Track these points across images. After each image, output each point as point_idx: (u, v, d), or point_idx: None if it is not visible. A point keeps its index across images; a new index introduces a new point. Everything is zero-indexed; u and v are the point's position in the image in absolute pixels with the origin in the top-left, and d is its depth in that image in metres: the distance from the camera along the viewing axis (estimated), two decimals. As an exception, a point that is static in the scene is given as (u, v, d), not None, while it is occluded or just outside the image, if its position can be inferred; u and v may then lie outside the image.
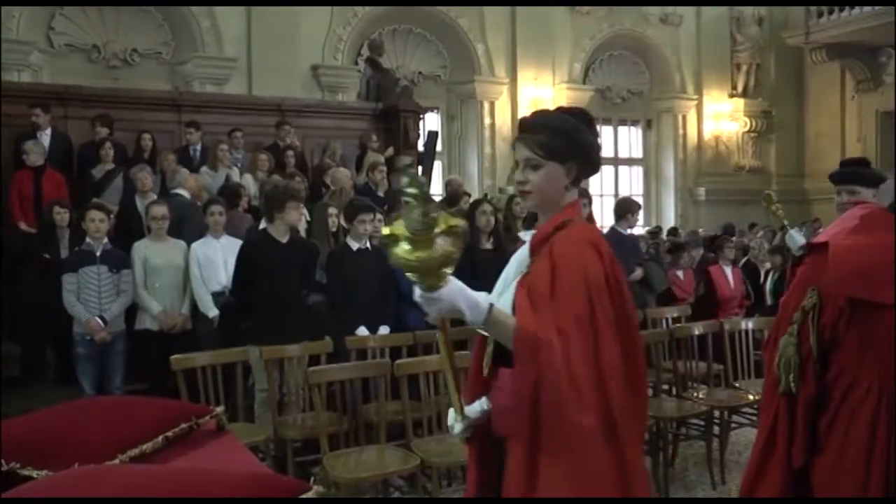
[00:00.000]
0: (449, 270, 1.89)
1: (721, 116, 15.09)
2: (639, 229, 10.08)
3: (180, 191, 6.78)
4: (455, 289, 1.94)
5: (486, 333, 2.15)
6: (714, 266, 7.27)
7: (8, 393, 6.04)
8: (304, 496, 1.65)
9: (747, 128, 15.37)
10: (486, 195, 10.27)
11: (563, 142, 2.12)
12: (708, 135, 15.08)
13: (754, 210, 14.12)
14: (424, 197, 1.80)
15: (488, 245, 5.69)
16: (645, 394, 2.18)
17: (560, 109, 2.25)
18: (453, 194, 8.14)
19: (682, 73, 14.75)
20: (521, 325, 1.99)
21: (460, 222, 1.87)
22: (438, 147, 11.11)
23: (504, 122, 13.04)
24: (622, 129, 15.07)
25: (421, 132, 9.98)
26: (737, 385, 5.25)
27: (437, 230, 1.80)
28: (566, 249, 2.07)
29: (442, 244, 1.81)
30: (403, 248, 1.80)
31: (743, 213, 13.75)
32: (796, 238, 3.89)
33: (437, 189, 10.73)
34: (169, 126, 8.84)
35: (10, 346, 6.50)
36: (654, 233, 11.59)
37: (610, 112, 14.68)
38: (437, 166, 11.54)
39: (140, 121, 8.46)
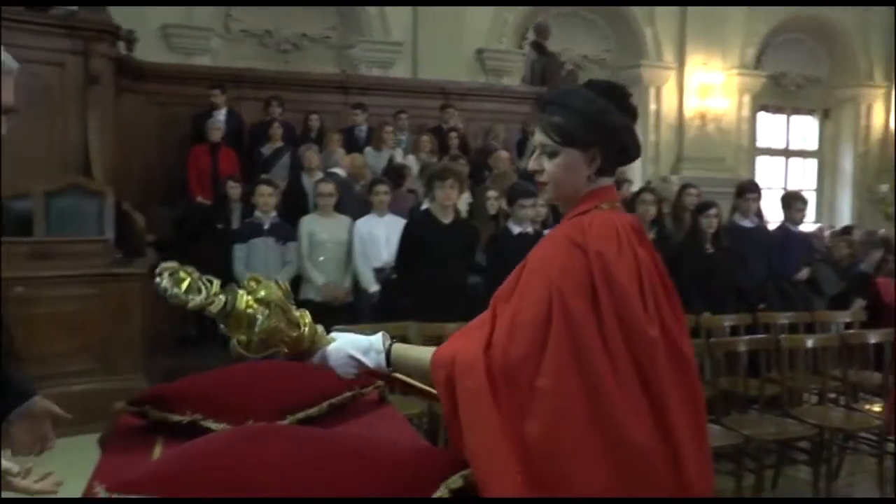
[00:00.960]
0: (304, 331, 1.80)
1: (915, 107, 13.94)
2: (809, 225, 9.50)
3: (337, 170, 7.00)
4: (343, 341, 1.85)
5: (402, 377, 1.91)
6: None
7: (185, 350, 6.51)
8: (464, 472, 1.66)
9: (946, 120, 14.16)
10: (648, 182, 10.02)
11: (585, 125, 1.77)
12: (897, 126, 13.99)
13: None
14: (194, 286, 1.74)
15: (651, 235, 5.55)
16: (671, 432, 1.64)
17: (589, 84, 1.89)
18: (619, 182, 7.98)
19: (871, 58, 13.72)
20: (438, 350, 1.74)
21: (268, 290, 1.78)
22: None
23: (670, 109, 12.63)
24: (795, 119, 14.25)
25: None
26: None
27: (243, 307, 1.73)
28: (541, 249, 1.75)
29: (257, 319, 1.74)
30: (233, 341, 1.74)
31: (931, 214, 12.71)
32: None
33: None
34: (335, 107, 9.14)
35: (187, 308, 6.97)
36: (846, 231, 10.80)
37: (783, 100, 13.92)
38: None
39: (308, 102, 8.78)
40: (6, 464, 1.66)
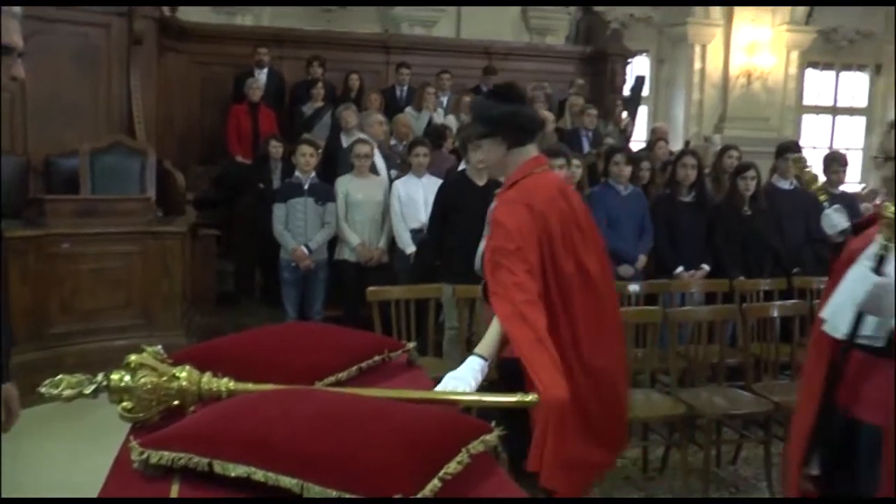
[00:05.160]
0: (182, 380, 1.86)
1: (972, 60, 13.42)
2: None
3: (361, 134, 6.62)
4: (461, 373, 2.25)
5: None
6: None
7: (223, 307, 6.65)
8: (485, 437, 1.70)
9: None
10: (687, 143, 9.90)
11: (486, 121, 2.60)
12: (954, 81, 13.51)
13: None
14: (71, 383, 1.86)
15: (688, 198, 5.51)
16: (575, 333, 2.53)
17: (490, 89, 2.84)
18: (654, 141, 7.91)
19: (927, 9, 13.24)
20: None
21: (136, 357, 1.88)
22: (645, 92, 10.77)
23: (715, 67, 12.38)
24: (845, 75, 13.81)
25: (628, 76, 9.72)
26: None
27: (117, 379, 1.84)
28: (501, 208, 2.54)
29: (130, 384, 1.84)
30: (118, 410, 1.85)
31: None
32: (833, 219, 2.84)
33: (641, 135, 10.43)
34: (377, 66, 9.14)
35: (226, 265, 7.11)
36: None
37: (832, 56, 13.50)
38: (643, 112, 11.20)
39: (350, 61, 8.79)
40: None
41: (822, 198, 3.07)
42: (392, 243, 5.84)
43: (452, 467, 1.54)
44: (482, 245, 2.91)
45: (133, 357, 1.89)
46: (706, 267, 5.44)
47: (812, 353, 2.61)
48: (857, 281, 2.36)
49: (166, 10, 7.67)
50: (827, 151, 7.13)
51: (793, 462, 2.57)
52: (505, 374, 2.68)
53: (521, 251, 2.39)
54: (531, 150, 2.62)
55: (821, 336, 2.52)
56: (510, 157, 2.60)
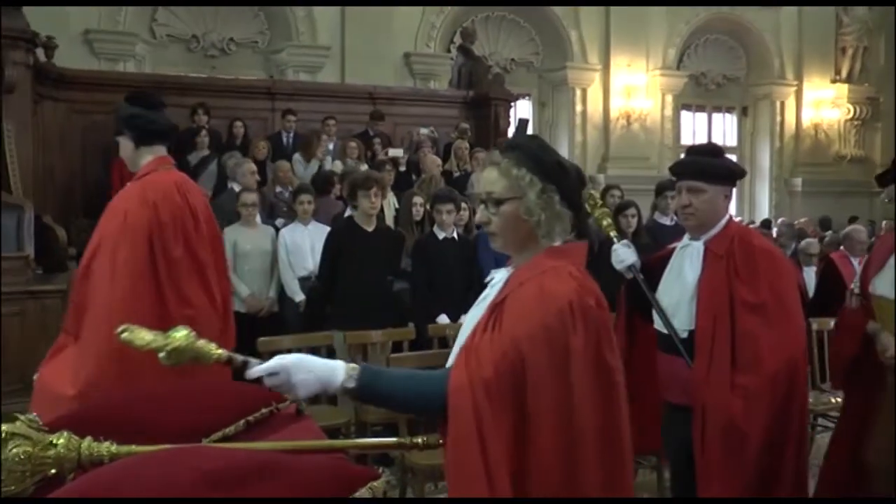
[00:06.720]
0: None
1: (822, 103, 14.51)
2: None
3: (234, 185, 6.66)
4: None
5: None
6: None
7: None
8: (372, 484, 1.73)
9: (850, 115, 14.75)
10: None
11: (118, 120, 3.00)
12: (807, 122, 14.53)
13: (854, 202, 13.58)
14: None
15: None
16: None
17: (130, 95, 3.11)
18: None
19: (782, 57, 14.24)
20: None
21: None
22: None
23: (595, 110, 12.93)
24: (716, 116, 14.69)
25: (511, 120, 9.98)
26: (824, 388, 5.08)
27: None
28: (120, 202, 2.93)
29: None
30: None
31: (842, 206, 13.23)
32: (620, 254, 3.06)
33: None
34: (262, 114, 9.07)
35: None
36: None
37: (704, 99, 14.34)
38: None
39: (234, 108, 8.67)
40: None
41: (611, 234, 3.21)
42: (281, 292, 5.77)
43: (340, 514, 1.56)
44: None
45: (4, 427, 1.79)
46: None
47: None
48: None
49: (41, 56, 7.45)
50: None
51: None
52: None
53: (120, 245, 2.83)
54: (159, 151, 3.00)
55: None
56: (138, 155, 2.96)
